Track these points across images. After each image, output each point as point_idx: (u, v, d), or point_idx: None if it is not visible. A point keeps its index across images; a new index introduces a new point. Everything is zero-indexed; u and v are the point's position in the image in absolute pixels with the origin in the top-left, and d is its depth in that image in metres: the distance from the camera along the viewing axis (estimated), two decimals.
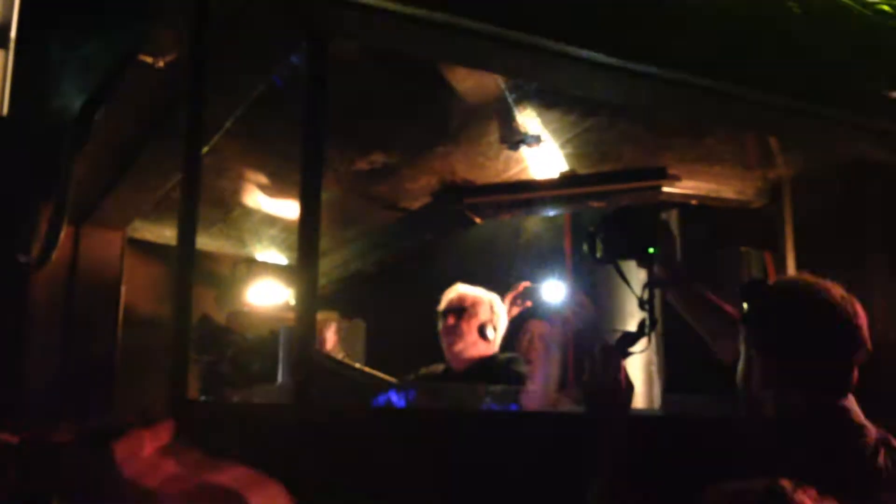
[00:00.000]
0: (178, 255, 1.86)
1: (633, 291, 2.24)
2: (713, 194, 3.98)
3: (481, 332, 3.44)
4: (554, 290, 5.80)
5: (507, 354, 3.49)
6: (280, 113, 3.26)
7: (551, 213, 4.25)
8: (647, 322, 2.11)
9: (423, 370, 3.62)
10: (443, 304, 3.49)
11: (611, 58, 2.48)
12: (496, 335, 3.48)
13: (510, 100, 3.28)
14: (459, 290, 3.53)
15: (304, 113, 2.17)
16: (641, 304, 2.18)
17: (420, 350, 5.07)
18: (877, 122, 2.99)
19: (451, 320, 3.43)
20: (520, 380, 3.23)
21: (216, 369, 3.32)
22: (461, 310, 3.43)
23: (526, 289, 3.54)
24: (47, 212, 3.19)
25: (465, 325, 3.43)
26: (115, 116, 3.31)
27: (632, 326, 2.19)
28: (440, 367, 3.56)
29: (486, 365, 3.41)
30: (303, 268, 2.03)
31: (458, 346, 3.43)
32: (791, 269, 3.89)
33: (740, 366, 1.93)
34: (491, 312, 3.49)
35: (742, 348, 1.94)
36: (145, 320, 4.68)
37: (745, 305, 1.97)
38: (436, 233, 4.52)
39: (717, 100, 2.76)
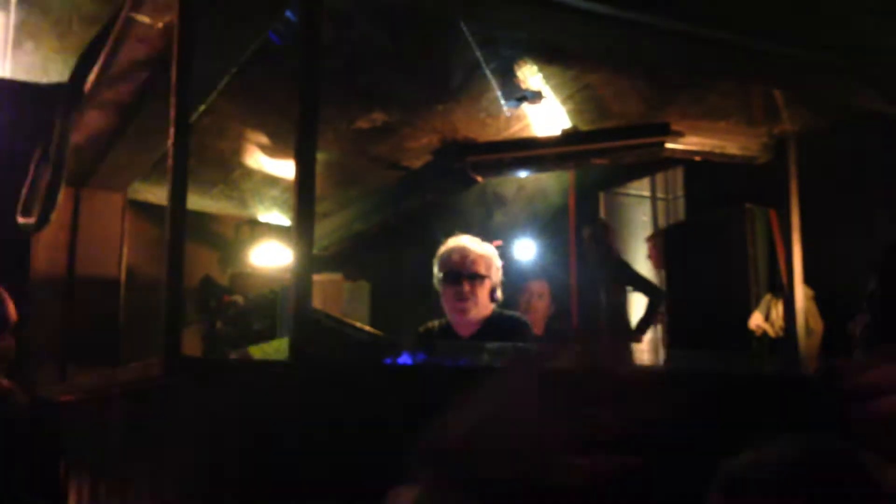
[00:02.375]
0: (169, 210, 1.85)
1: None
2: (717, 150, 3.93)
3: (492, 295, 3.26)
4: (526, 249, 5.81)
5: (510, 312, 3.34)
6: (278, 72, 3.24)
7: (554, 170, 4.22)
8: None
9: (422, 328, 3.44)
10: (449, 267, 3.17)
11: (609, 8, 2.43)
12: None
13: (510, 55, 3.24)
14: (469, 248, 3.20)
15: (299, 65, 2.14)
16: None
17: (424, 309, 5.08)
18: (883, 72, 2.94)
19: (466, 287, 3.12)
20: (527, 338, 3.11)
21: (217, 329, 3.32)
22: (476, 276, 3.13)
23: (497, 248, 3.35)
24: (46, 173, 3.18)
25: (480, 292, 3.14)
26: (112, 76, 3.29)
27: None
28: (436, 324, 3.35)
29: (492, 324, 3.23)
30: (299, 225, 2.02)
31: (472, 314, 3.14)
32: (796, 227, 3.85)
33: (861, 327, 1.83)
34: (498, 272, 3.23)
35: (868, 312, 1.83)
36: (148, 281, 4.68)
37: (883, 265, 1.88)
38: (438, 192, 4.50)
39: (718, 50, 2.72)
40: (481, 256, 3.17)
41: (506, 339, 3.06)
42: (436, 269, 3.25)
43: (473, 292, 3.12)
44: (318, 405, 1.79)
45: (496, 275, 3.19)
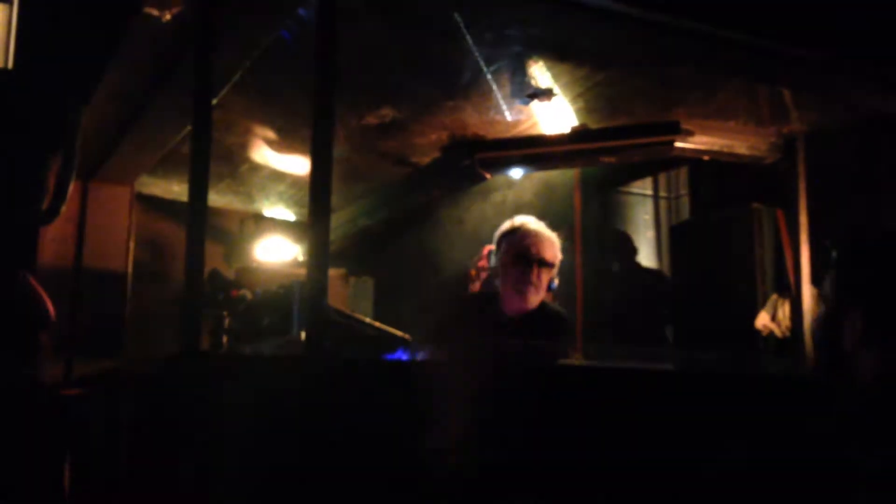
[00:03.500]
0: (189, 206, 1.85)
1: None
2: (726, 150, 3.93)
3: (551, 283, 3.08)
4: None
5: (555, 306, 3.26)
6: (289, 68, 3.24)
7: (562, 168, 4.22)
8: None
9: (472, 296, 3.33)
10: (521, 248, 3.05)
11: (623, 6, 2.43)
12: None
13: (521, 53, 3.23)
14: (542, 234, 3.08)
15: (314, 64, 2.14)
16: None
17: (428, 307, 5.07)
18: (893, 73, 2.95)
19: (534, 272, 3.02)
20: (568, 334, 3.05)
21: (226, 323, 3.32)
22: (545, 263, 3.04)
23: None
24: (56, 165, 3.17)
25: (545, 278, 3.05)
26: (122, 69, 3.29)
27: None
28: (488, 297, 3.25)
29: (537, 315, 3.13)
30: (314, 222, 2.01)
31: (532, 299, 3.03)
32: (804, 227, 3.85)
33: (816, 319, 1.82)
34: (559, 259, 3.12)
35: (823, 300, 1.82)
36: (154, 274, 4.68)
37: (834, 253, 1.87)
38: (445, 188, 4.49)
39: (729, 49, 2.72)
40: (552, 243, 3.09)
41: (546, 333, 3.01)
42: (498, 247, 3.11)
43: (540, 278, 3.04)
44: (333, 399, 1.79)
45: (558, 263, 3.14)
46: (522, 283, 3.02)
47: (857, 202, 3.67)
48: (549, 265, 3.05)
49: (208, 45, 2.05)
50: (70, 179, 3.11)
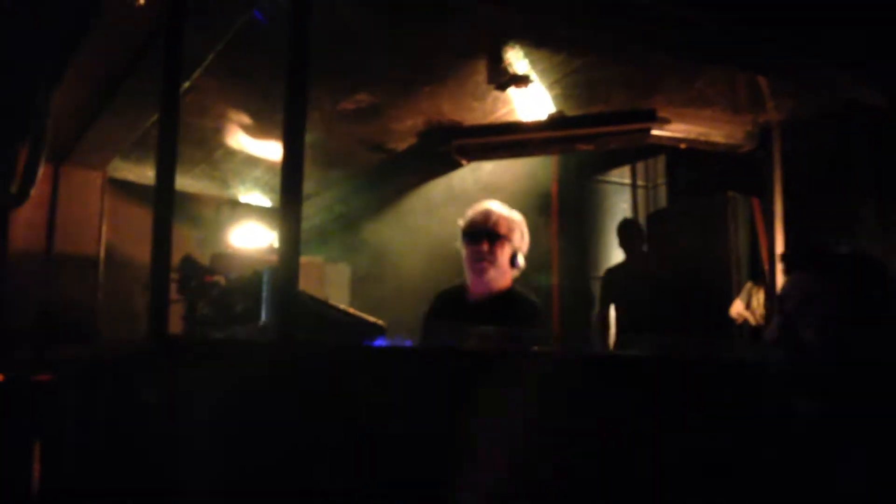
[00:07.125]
0: (157, 188, 1.82)
1: None
2: (702, 138, 3.94)
3: (513, 259, 3.10)
4: None
5: (527, 294, 3.25)
6: (263, 51, 3.20)
7: (539, 155, 4.21)
8: None
9: (443, 290, 3.36)
10: (472, 226, 3.11)
11: None
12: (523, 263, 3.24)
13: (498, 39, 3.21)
14: (493, 210, 3.15)
15: (287, 46, 2.10)
16: None
17: (405, 295, 5.06)
18: (870, 62, 2.96)
19: (485, 246, 3.06)
20: (534, 323, 3.06)
21: (198, 309, 3.29)
22: (497, 236, 3.07)
23: None
24: (25, 148, 3.13)
25: (499, 252, 3.07)
26: (93, 52, 3.24)
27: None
28: (455, 286, 3.28)
29: (503, 300, 3.16)
30: (286, 206, 1.99)
31: (490, 275, 3.06)
32: (779, 215, 3.87)
33: (774, 324, 1.85)
34: (522, 239, 3.15)
35: (778, 303, 1.85)
36: (127, 260, 4.64)
37: (792, 263, 1.89)
38: (422, 175, 4.47)
39: (707, 36, 2.72)
40: (504, 218, 3.09)
41: (514, 319, 3.00)
42: (460, 231, 3.18)
43: (492, 252, 3.03)
44: (305, 386, 1.77)
45: (519, 239, 3.12)
46: (475, 259, 3.03)
47: (831, 191, 3.69)
48: (502, 237, 3.05)
49: (179, 24, 2.01)
50: (39, 163, 3.07)
